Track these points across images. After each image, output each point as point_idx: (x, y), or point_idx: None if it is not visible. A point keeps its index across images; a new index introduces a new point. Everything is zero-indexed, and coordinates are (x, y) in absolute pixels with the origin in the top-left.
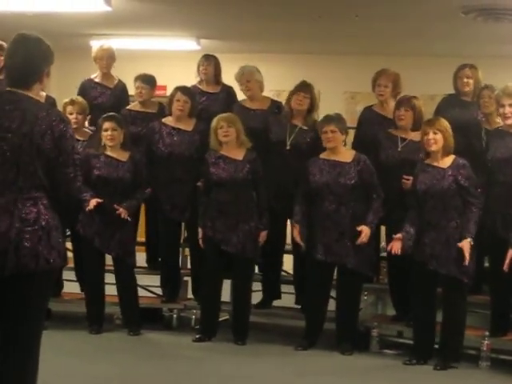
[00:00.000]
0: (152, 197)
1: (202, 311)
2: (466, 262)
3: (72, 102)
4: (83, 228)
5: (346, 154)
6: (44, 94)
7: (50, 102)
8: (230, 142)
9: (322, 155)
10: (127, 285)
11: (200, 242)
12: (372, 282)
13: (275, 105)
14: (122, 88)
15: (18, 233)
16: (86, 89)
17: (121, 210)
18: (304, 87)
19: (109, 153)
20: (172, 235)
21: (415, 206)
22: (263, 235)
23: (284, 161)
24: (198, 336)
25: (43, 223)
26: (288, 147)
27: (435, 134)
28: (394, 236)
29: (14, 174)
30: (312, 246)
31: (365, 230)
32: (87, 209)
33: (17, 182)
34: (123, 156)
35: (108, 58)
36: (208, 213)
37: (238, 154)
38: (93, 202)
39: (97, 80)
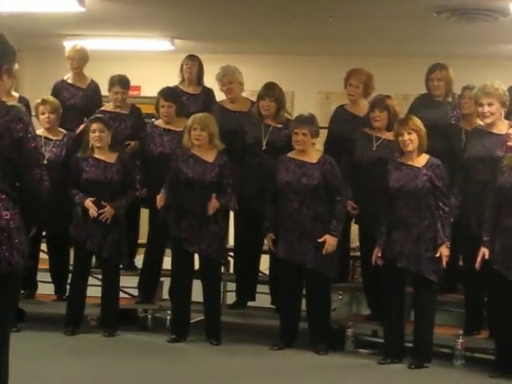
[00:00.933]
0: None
1: (172, 311)
2: (443, 266)
3: (44, 102)
4: (75, 231)
5: (313, 155)
6: (17, 94)
7: (24, 103)
8: (201, 145)
9: (290, 154)
10: (112, 286)
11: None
12: (346, 281)
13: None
14: (94, 88)
15: None
16: (58, 90)
17: (106, 209)
18: (268, 91)
19: (97, 155)
20: (162, 237)
21: (387, 204)
22: (214, 202)
23: (261, 161)
24: (172, 337)
25: (3, 225)
26: (264, 147)
27: (410, 134)
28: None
29: None
30: (276, 245)
31: (328, 240)
32: (91, 214)
33: None
34: (111, 158)
35: (79, 59)
36: (173, 211)
37: (209, 156)
38: (88, 203)
39: (69, 81)
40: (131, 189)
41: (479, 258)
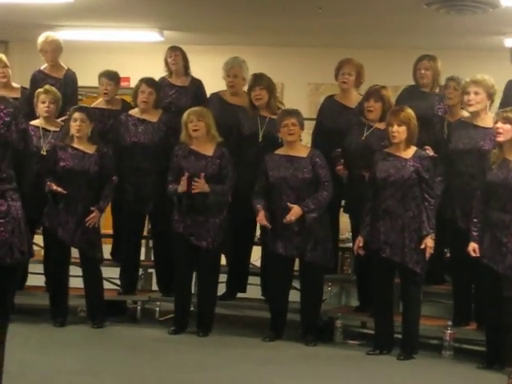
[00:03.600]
0: (118, 188)
1: (175, 304)
2: (427, 257)
3: (46, 91)
4: (48, 219)
5: (302, 150)
6: (18, 85)
7: (26, 95)
8: (199, 137)
9: (278, 151)
10: (92, 278)
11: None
12: (335, 273)
13: None
14: (70, 77)
15: None
16: (37, 80)
17: (93, 214)
18: (257, 81)
19: (75, 145)
20: (135, 227)
21: (372, 194)
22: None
23: (257, 153)
24: (172, 329)
25: (14, 214)
26: (260, 139)
27: (399, 126)
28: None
29: None
30: (272, 241)
31: (294, 209)
32: (47, 187)
33: None
34: (90, 149)
35: (53, 51)
36: (178, 207)
37: (208, 150)
38: (50, 184)
39: (46, 71)
40: (109, 183)
41: (471, 253)
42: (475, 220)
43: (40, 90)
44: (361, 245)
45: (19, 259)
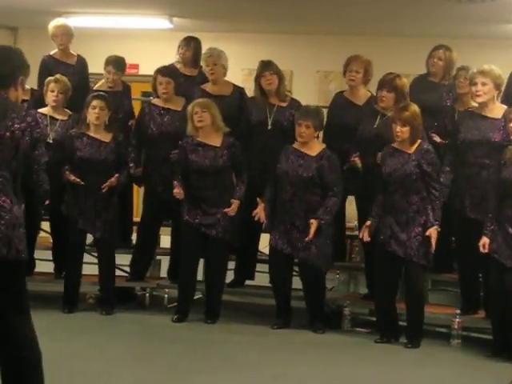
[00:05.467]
0: (146, 178)
1: (179, 291)
2: (432, 250)
3: (56, 80)
4: (67, 208)
5: (314, 148)
6: (28, 87)
7: (36, 95)
8: (205, 128)
9: (295, 145)
10: (108, 265)
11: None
12: (343, 261)
13: (238, 91)
14: (82, 63)
15: None
16: (46, 65)
17: (112, 179)
18: (267, 66)
19: (92, 134)
20: (161, 216)
21: (382, 188)
22: (235, 202)
23: (266, 141)
24: (176, 316)
25: (16, 213)
26: (269, 127)
27: (403, 126)
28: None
29: None
30: (271, 231)
31: (313, 223)
32: (65, 176)
33: None
34: (106, 137)
35: (63, 36)
36: (186, 199)
37: (216, 141)
38: (69, 174)
39: (57, 57)
40: (125, 168)
41: (481, 249)
42: (490, 215)
43: (51, 78)
44: (366, 232)
45: (14, 256)
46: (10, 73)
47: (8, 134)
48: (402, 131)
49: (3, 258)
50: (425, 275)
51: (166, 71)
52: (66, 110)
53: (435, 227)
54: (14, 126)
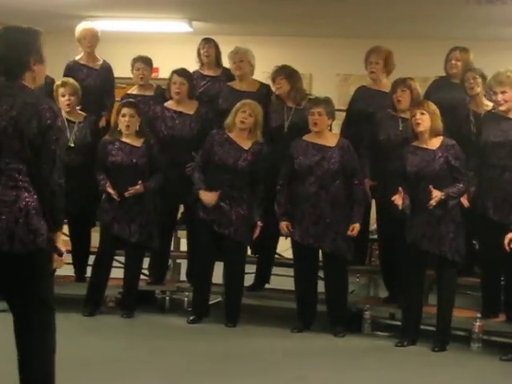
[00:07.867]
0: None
1: (193, 292)
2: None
3: (64, 84)
4: (101, 214)
5: (331, 139)
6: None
7: (48, 81)
8: (243, 130)
9: (306, 137)
10: (135, 269)
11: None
12: (364, 264)
13: (264, 88)
14: (107, 68)
15: None
16: (71, 70)
17: (137, 186)
18: (276, 72)
19: (124, 139)
20: (170, 219)
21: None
22: (259, 226)
23: (283, 144)
24: (191, 318)
25: (23, 205)
26: (286, 130)
27: (422, 114)
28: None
29: None
30: (292, 228)
31: (355, 228)
32: (114, 196)
33: None
34: (138, 142)
35: (91, 38)
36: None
37: (245, 143)
38: (107, 188)
39: (82, 62)
40: (159, 173)
41: (506, 244)
42: None
43: (58, 83)
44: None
45: (19, 250)
46: (18, 63)
47: (13, 124)
48: (422, 119)
49: (6, 253)
50: (456, 275)
51: (182, 72)
52: (80, 111)
53: (443, 193)
54: (21, 114)
